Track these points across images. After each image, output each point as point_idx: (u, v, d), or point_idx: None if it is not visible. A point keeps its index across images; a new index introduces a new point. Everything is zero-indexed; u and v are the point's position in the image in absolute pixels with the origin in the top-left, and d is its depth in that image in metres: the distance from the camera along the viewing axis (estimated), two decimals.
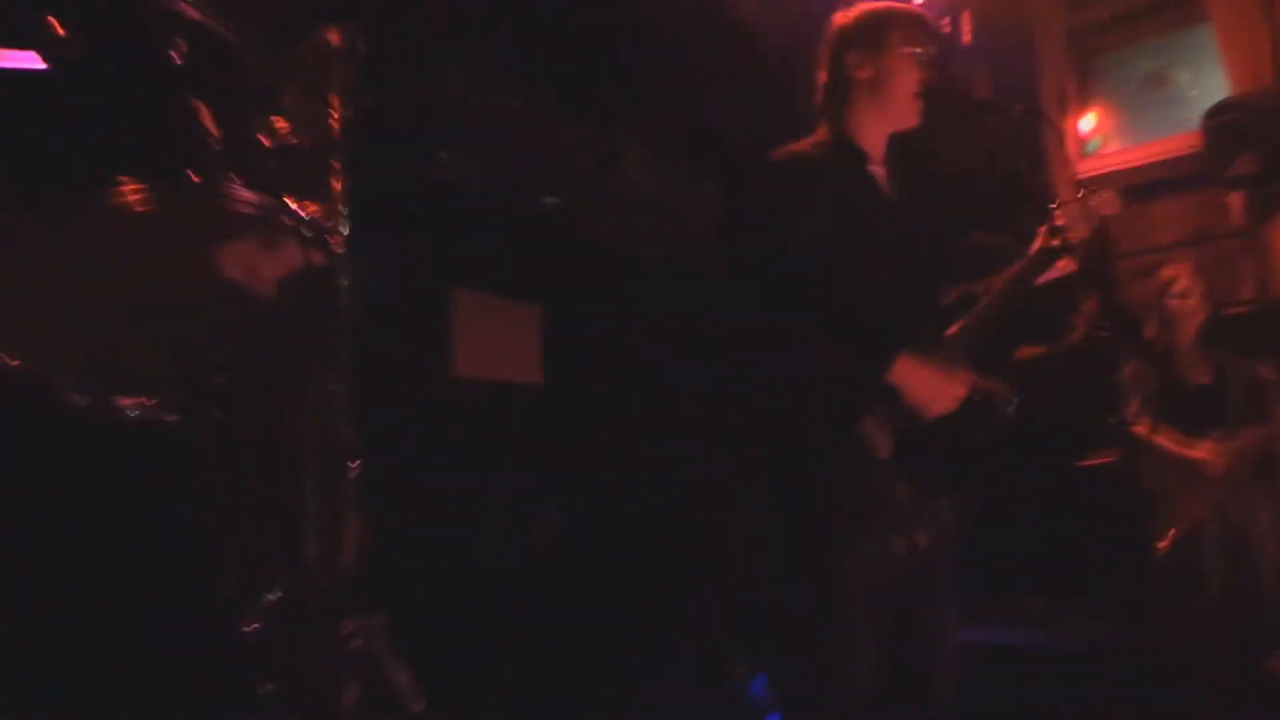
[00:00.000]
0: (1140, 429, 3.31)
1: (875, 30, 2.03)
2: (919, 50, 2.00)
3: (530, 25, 2.90)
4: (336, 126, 1.68)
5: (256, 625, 1.50)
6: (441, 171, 2.93)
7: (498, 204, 3.13)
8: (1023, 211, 1.96)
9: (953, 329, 1.95)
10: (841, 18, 2.09)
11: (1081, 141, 5.55)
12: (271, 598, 1.55)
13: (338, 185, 1.69)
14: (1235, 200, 4.85)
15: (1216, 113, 4.52)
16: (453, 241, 2.97)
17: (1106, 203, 1.93)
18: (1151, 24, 5.31)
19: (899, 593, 1.84)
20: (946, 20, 4.54)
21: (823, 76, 2.09)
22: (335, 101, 1.68)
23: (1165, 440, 3.30)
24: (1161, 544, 3.23)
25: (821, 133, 2.05)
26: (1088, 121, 5.56)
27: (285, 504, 1.60)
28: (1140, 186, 4.98)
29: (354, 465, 1.53)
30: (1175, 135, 5.11)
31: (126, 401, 1.39)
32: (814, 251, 1.85)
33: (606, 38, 3.10)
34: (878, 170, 2.04)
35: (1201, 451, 3.24)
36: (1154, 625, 3.31)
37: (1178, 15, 5.12)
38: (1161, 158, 5.06)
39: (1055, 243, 1.87)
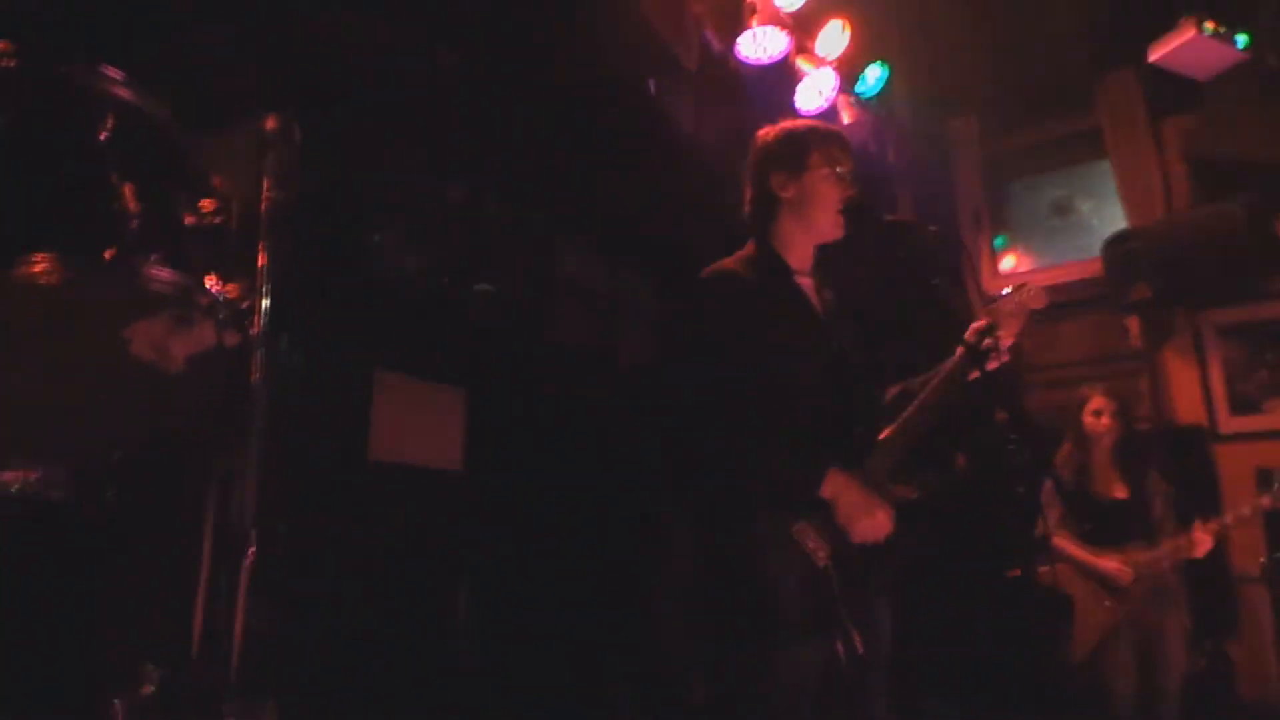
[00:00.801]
0: (1058, 541, 3.43)
1: (797, 149, 2.09)
2: (840, 169, 2.07)
3: (473, 115, 2.86)
4: (266, 208, 1.69)
5: (133, 708, 1.44)
6: (374, 255, 2.94)
7: (429, 288, 3.14)
8: (937, 325, 2.01)
9: (887, 431, 1.97)
10: (765, 135, 2.17)
11: (995, 261, 5.86)
12: (149, 686, 1.48)
13: (261, 265, 1.69)
14: (1133, 324, 5.16)
15: (1115, 242, 4.88)
16: (380, 324, 2.90)
17: (1035, 297, 1.98)
18: (1058, 156, 5.70)
19: (833, 695, 1.86)
20: (872, 141, 4.79)
21: (749, 192, 2.16)
22: (267, 184, 1.70)
23: (1079, 552, 3.40)
24: (1076, 653, 3.32)
25: (750, 247, 2.12)
26: (1000, 242, 5.90)
27: (174, 588, 1.55)
28: (1046, 307, 5.25)
29: (250, 551, 1.47)
30: (1079, 261, 5.44)
31: (7, 476, 1.34)
32: (748, 363, 1.90)
33: (548, 131, 3.10)
34: (804, 282, 2.10)
35: (1112, 563, 3.34)
36: None
37: (1081, 150, 5.51)
38: (1066, 280, 5.36)
39: (987, 342, 1.91)
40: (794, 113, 3.98)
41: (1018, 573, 3.94)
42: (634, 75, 2.92)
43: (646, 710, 3.27)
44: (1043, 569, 3.44)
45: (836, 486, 1.84)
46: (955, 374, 1.94)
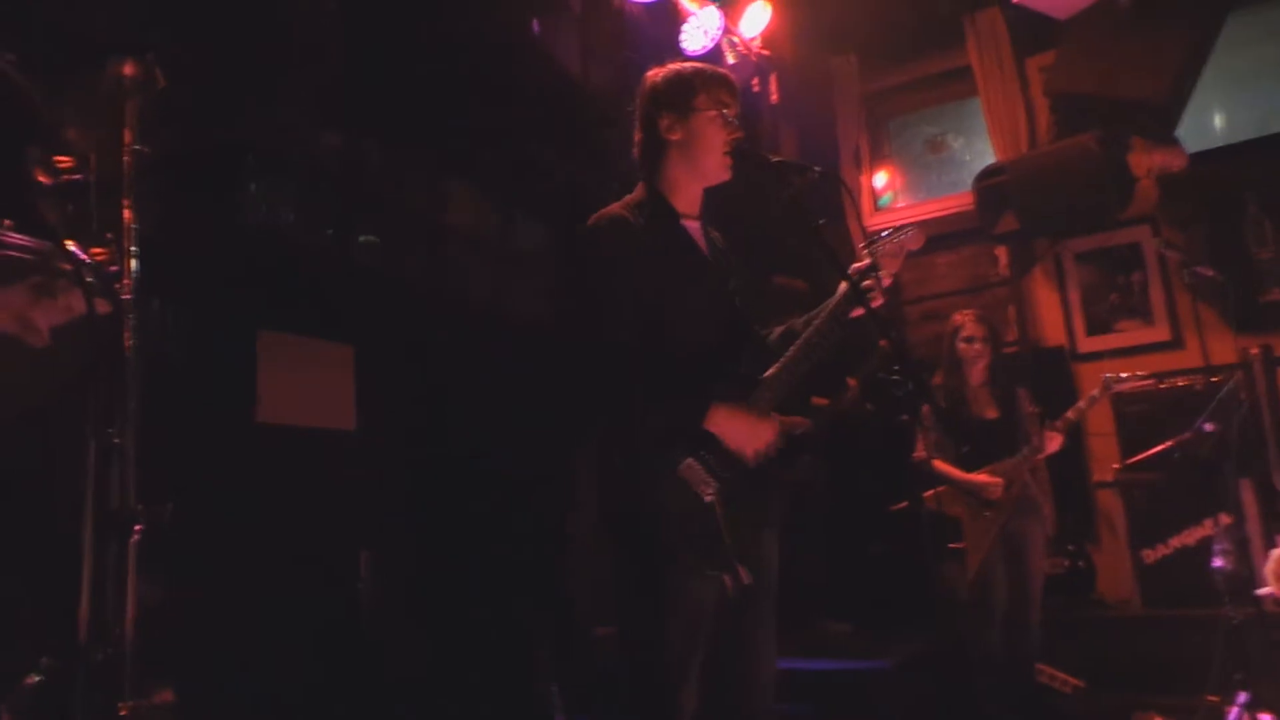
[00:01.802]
0: (936, 464, 3.56)
1: (684, 92, 2.08)
2: (726, 111, 2.06)
3: (357, 62, 2.71)
4: (128, 163, 1.56)
5: (18, 707, 1.35)
6: (250, 208, 2.75)
7: (310, 242, 3.00)
8: (822, 261, 2.00)
9: (772, 369, 2.01)
10: (652, 77, 2.15)
11: (875, 196, 6.03)
12: (36, 676, 1.39)
13: (127, 224, 1.56)
14: (1001, 254, 5.43)
15: (984, 176, 5.06)
16: (261, 281, 2.77)
17: (913, 239, 2.04)
18: (933, 94, 5.85)
19: (725, 624, 1.93)
20: (756, 80, 4.80)
21: (637, 135, 2.15)
22: (128, 136, 1.56)
23: (955, 472, 3.54)
24: (970, 569, 3.47)
25: (639, 190, 2.11)
26: (880, 179, 6.04)
27: (57, 571, 1.44)
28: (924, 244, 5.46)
29: (137, 529, 1.38)
30: (952, 195, 5.64)
31: None
32: (635, 306, 1.91)
33: (432, 75, 3.00)
34: (691, 225, 2.10)
35: (983, 477, 3.49)
36: (952, 645, 3.55)
37: (954, 87, 5.67)
38: (942, 214, 5.56)
39: (868, 281, 1.95)
40: (680, 54, 3.94)
41: (904, 505, 4.19)
42: (518, 16, 2.79)
43: (558, 666, 3.26)
44: (926, 494, 3.59)
45: (720, 419, 1.89)
46: (838, 312, 1.98)
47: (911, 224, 2.05)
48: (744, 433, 1.90)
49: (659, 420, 1.86)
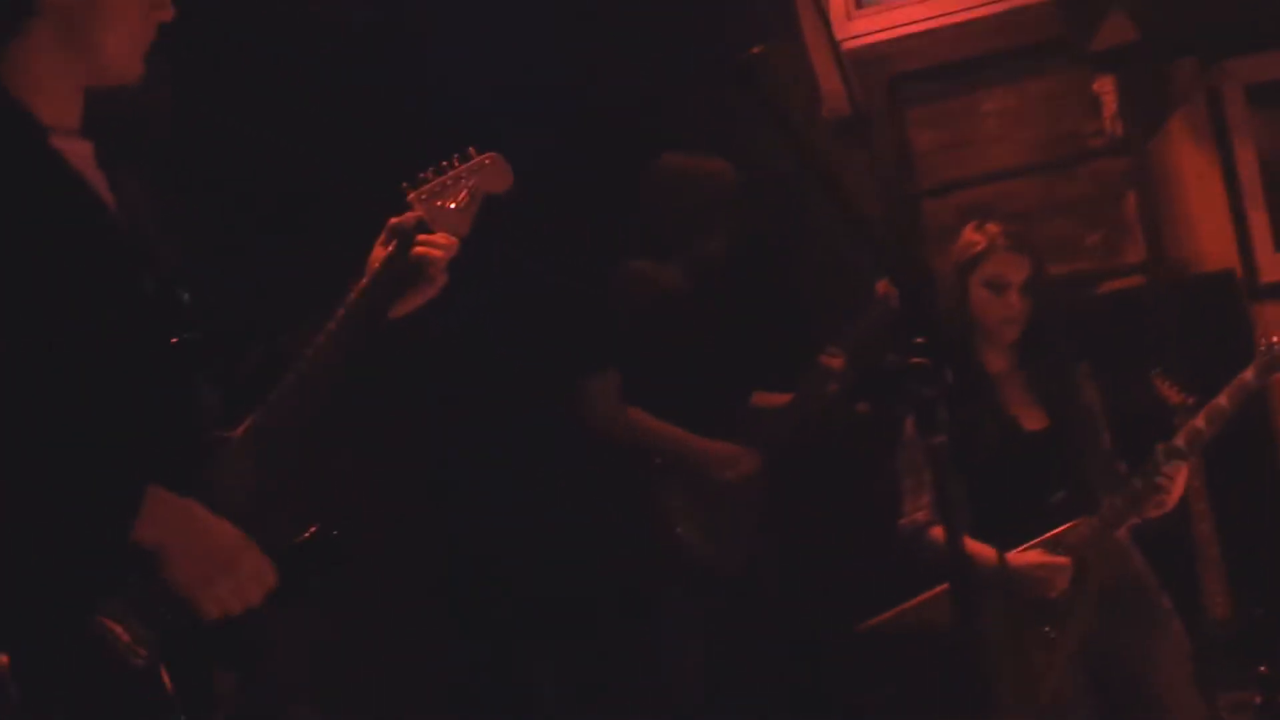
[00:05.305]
0: (938, 533, 2.61)
1: None
2: None
3: None
4: None
5: None
6: None
7: None
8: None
9: (245, 425, 1.49)
10: None
11: None
12: None
13: None
14: (1106, 90, 3.16)
15: None
16: None
17: (491, 172, 1.60)
18: None
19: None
20: None
21: None
22: None
23: (979, 549, 2.48)
24: None
25: None
26: None
27: None
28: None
29: None
30: None
31: None
32: None
33: None
34: (73, 148, 1.48)
35: (1030, 555, 2.53)
36: None
37: None
38: (984, 12, 3.11)
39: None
40: None
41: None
42: None
43: None
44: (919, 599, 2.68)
45: (162, 520, 1.30)
46: (360, 313, 1.48)
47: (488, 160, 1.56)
48: (205, 555, 1.35)
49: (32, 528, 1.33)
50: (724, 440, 2.60)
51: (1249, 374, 2.37)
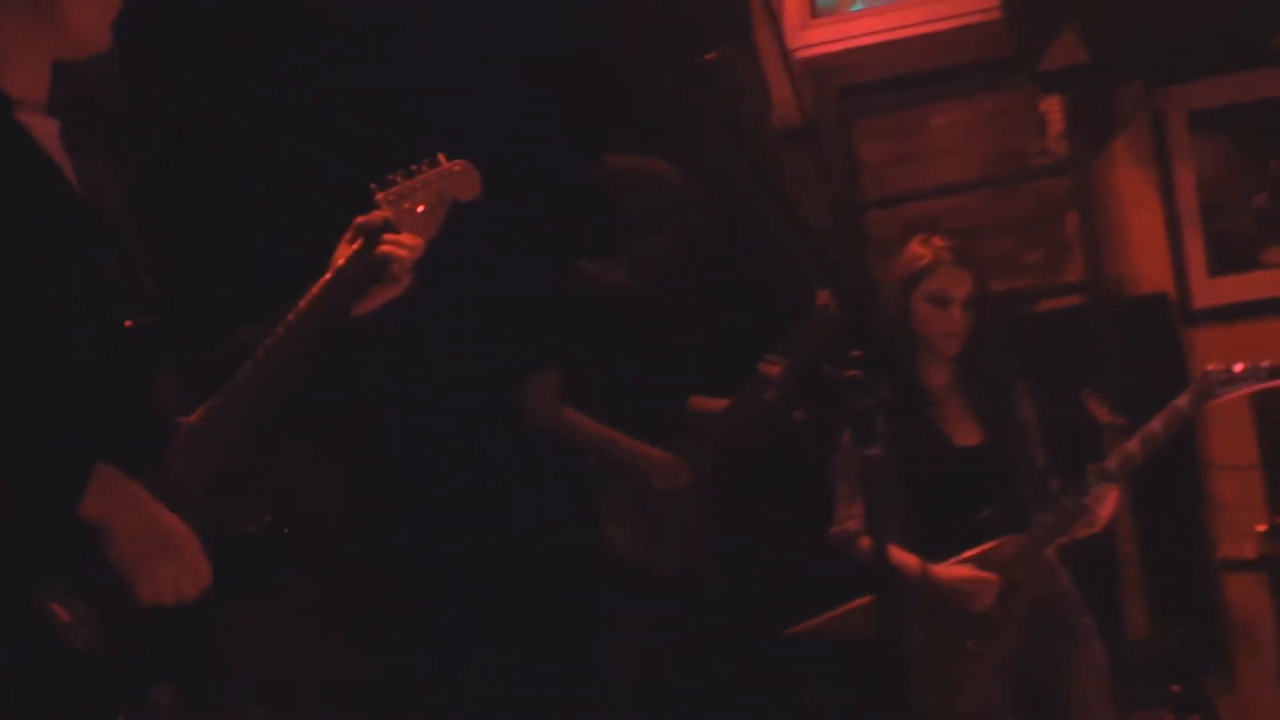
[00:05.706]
0: (867, 543, 2.63)
1: None
2: None
3: None
4: None
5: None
6: None
7: None
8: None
9: (201, 411, 1.51)
10: None
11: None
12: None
13: None
14: (1053, 110, 3.21)
15: None
16: None
17: (459, 180, 1.61)
18: None
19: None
20: None
21: None
22: None
23: (907, 559, 2.53)
24: None
25: None
26: None
27: None
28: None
29: None
30: None
31: None
32: None
33: None
34: (38, 123, 1.47)
35: (959, 570, 2.58)
36: None
37: None
38: (935, 28, 3.17)
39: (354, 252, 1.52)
40: None
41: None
42: None
43: None
44: (844, 608, 2.75)
45: (109, 496, 1.32)
46: (323, 308, 1.51)
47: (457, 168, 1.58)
48: (149, 540, 1.35)
49: None
50: (665, 441, 2.60)
51: (1183, 400, 2.41)
